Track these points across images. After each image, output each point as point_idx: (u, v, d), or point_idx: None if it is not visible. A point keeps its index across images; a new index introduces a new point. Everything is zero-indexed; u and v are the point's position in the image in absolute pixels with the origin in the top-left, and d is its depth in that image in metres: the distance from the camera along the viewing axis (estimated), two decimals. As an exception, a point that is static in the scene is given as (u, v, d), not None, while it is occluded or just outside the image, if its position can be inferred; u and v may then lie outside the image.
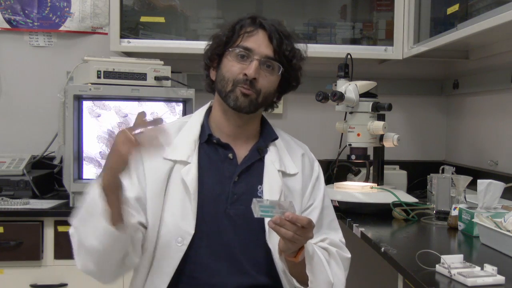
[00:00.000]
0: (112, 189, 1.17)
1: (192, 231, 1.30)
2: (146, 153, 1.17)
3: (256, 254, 1.36)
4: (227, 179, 1.38)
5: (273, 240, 1.33)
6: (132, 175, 1.33)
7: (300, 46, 1.44)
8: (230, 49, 1.37)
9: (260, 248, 1.35)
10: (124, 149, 1.13)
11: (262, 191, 1.38)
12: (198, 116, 1.46)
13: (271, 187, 1.38)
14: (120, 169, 1.15)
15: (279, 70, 1.39)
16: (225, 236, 1.34)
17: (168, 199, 1.33)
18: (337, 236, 1.48)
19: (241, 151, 1.42)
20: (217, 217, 1.34)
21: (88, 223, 1.20)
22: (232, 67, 1.37)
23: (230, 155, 1.40)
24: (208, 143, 1.41)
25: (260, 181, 1.39)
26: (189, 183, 1.33)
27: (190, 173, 1.34)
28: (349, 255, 1.46)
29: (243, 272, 1.34)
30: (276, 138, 1.46)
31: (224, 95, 1.38)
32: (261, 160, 1.42)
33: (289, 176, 1.43)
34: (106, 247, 1.20)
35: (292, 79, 1.45)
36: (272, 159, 1.42)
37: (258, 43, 1.36)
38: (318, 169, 1.52)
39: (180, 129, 1.43)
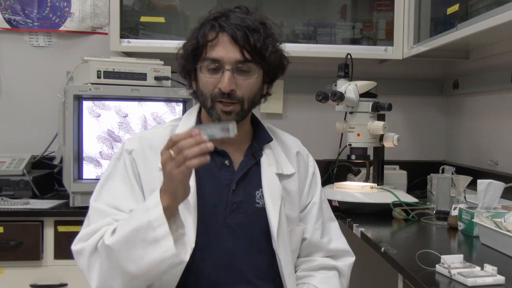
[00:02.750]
0: (171, 214, 1.14)
1: (193, 245, 1.26)
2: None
3: (258, 261, 1.35)
4: (225, 187, 1.34)
5: (281, 248, 1.33)
6: (134, 187, 1.31)
7: (274, 28, 1.34)
8: (199, 66, 1.31)
9: (262, 255, 1.35)
10: (182, 176, 1.10)
11: (260, 196, 1.36)
12: (188, 120, 1.41)
13: (271, 192, 1.36)
14: (184, 195, 1.15)
15: (256, 70, 1.31)
16: (226, 246, 1.32)
17: None
18: (335, 233, 1.49)
19: (236, 156, 1.38)
20: (216, 228, 1.32)
21: (136, 248, 1.13)
22: (206, 82, 1.31)
23: (227, 162, 1.36)
24: None
25: (257, 186, 1.37)
26: (190, 196, 1.26)
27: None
28: (350, 260, 1.48)
29: (246, 281, 1.33)
30: (271, 140, 1.43)
31: (207, 111, 1.34)
32: (257, 164, 1.39)
33: (286, 178, 1.42)
34: (152, 274, 1.15)
35: (275, 67, 1.36)
36: (269, 162, 1.39)
37: (225, 50, 1.27)
38: (313, 165, 1.51)
39: (172, 133, 1.36)
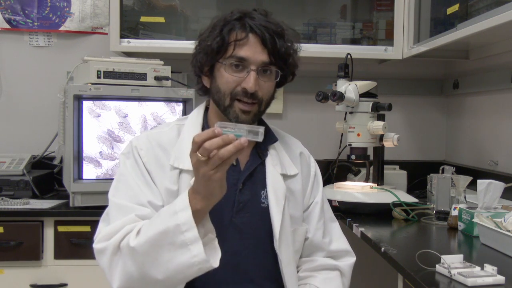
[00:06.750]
0: (201, 217, 1.12)
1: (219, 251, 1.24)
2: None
3: (263, 261, 1.35)
4: (231, 186, 1.33)
5: (283, 249, 1.33)
6: (148, 181, 1.30)
7: (292, 35, 1.37)
8: (223, 62, 1.30)
9: (266, 255, 1.35)
10: (221, 175, 1.07)
11: (265, 196, 1.36)
12: (196, 118, 1.41)
13: (275, 192, 1.36)
14: (220, 195, 1.11)
15: (277, 74, 1.34)
16: (231, 245, 1.31)
17: None
18: (336, 233, 1.49)
19: (242, 156, 1.38)
20: (223, 227, 1.31)
21: (163, 251, 1.11)
22: (227, 79, 1.30)
23: (234, 161, 1.36)
24: None
25: (262, 186, 1.37)
26: None
27: None
28: (351, 260, 1.48)
29: (251, 281, 1.33)
30: (276, 140, 1.44)
31: (223, 109, 1.33)
32: (262, 164, 1.40)
33: (290, 178, 1.42)
34: (178, 279, 1.13)
35: (289, 74, 1.41)
36: (273, 163, 1.40)
37: (252, 50, 1.29)
38: (314, 165, 1.52)
39: (179, 133, 1.38)
